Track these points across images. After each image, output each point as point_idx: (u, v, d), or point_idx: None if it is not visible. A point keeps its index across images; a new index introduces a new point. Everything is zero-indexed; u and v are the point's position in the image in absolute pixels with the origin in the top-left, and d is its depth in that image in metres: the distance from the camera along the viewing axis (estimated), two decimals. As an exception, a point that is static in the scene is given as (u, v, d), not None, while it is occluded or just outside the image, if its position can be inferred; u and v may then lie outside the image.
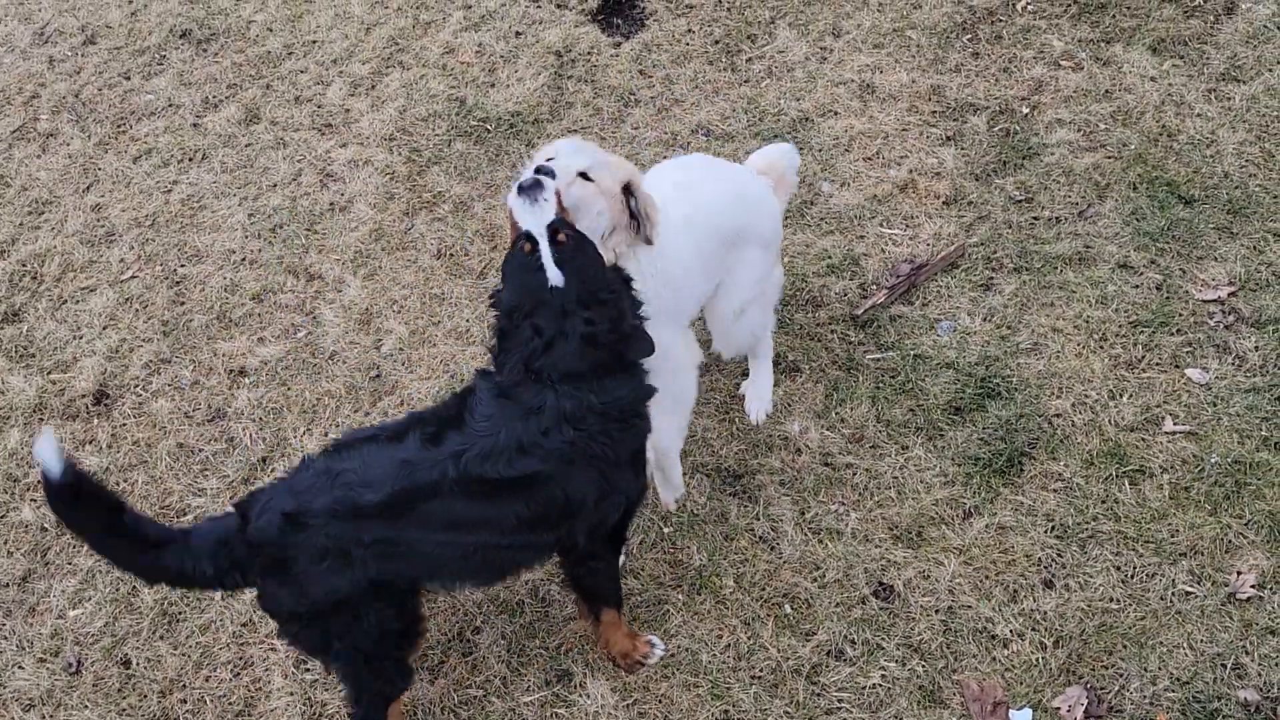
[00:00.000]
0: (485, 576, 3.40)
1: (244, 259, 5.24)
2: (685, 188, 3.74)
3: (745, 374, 4.37)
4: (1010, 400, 4.16)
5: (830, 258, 4.79)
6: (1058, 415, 4.10)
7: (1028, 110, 5.23)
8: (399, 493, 2.98)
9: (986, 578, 3.72)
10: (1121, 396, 4.12)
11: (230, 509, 3.14)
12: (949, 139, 5.19)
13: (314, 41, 6.38)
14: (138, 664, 3.88)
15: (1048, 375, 4.22)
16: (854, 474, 4.04)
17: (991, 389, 4.21)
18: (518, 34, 6.23)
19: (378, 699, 3.37)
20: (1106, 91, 5.24)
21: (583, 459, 3.06)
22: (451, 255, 5.09)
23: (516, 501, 3.06)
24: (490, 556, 3.22)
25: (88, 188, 5.73)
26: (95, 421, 4.63)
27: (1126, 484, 3.88)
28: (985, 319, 4.46)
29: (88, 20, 6.86)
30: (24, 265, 5.35)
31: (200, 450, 4.46)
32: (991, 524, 3.84)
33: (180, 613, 3.96)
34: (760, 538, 3.92)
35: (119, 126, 6.07)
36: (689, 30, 6.06)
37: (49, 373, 4.85)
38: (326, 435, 4.43)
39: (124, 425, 4.60)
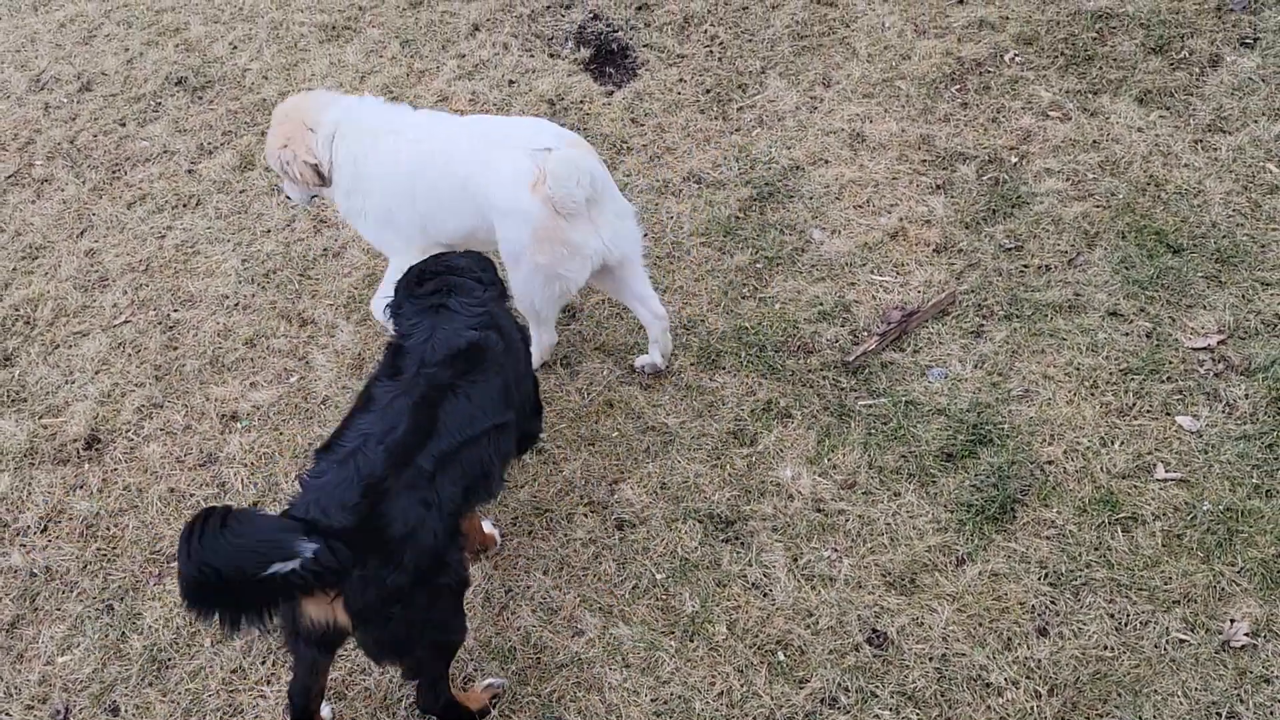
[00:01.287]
0: (500, 471, 3.56)
1: (237, 304, 5.24)
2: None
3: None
4: (1002, 447, 4.17)
5: (821, 304, 4.82)
6: (1050, 462, 4.11)
7: (1016, 159, 5.29)
8: (414, 414, 3.21)
9: (980, 625, 3.71)
10: (1113, 443, 4.13)
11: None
12: (939, 187, 5.24)
13: (309, 89, 6.42)
14: (126, 711, 3.84)
15: (1039, 422, 4.24)
16: (846, 520, 4.04)
17: (983, 435, 4.22)
18: (511, 82, 6.29)
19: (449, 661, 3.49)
20: (1094, 142, 5.30)
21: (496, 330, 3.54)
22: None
23: (487, 371, 3.41)
24: (497, 442, 3.45)
25: (82, 233, 5.75)
26: (86, 466, 4.61)
27: (1119, 531, 3.88)
28: (976, 366, 4.48)
29: (84, 68, 6.91)
30: (17, 310, 5.35)
31: (191, 495, 4.44)
32: (985, 571, 3.84)
33: (170, 659, 3.92)
34: (753, 584, 3.91)
35: (114, 173, 6.09)
36: (680, 80, 6.13)
37: (40, 417, 4.84)
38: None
39: (115, 470, 4.58)
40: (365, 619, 3.07)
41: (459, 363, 3.40)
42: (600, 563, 4.02)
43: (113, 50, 7.03)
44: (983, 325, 4.63)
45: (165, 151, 6.18)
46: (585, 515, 4.18)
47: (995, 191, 5.16)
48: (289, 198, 4.92)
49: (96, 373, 4.99)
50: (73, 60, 7.01)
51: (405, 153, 4.33)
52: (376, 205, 4.45)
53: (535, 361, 4.56)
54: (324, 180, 4.52)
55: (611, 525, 4.14)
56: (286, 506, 3.12)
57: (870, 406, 4.40)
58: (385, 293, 4.32)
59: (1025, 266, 4.83)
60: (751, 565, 3.96)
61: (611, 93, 6.13)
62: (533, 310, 4.40)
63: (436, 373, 3.36)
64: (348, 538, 2.94)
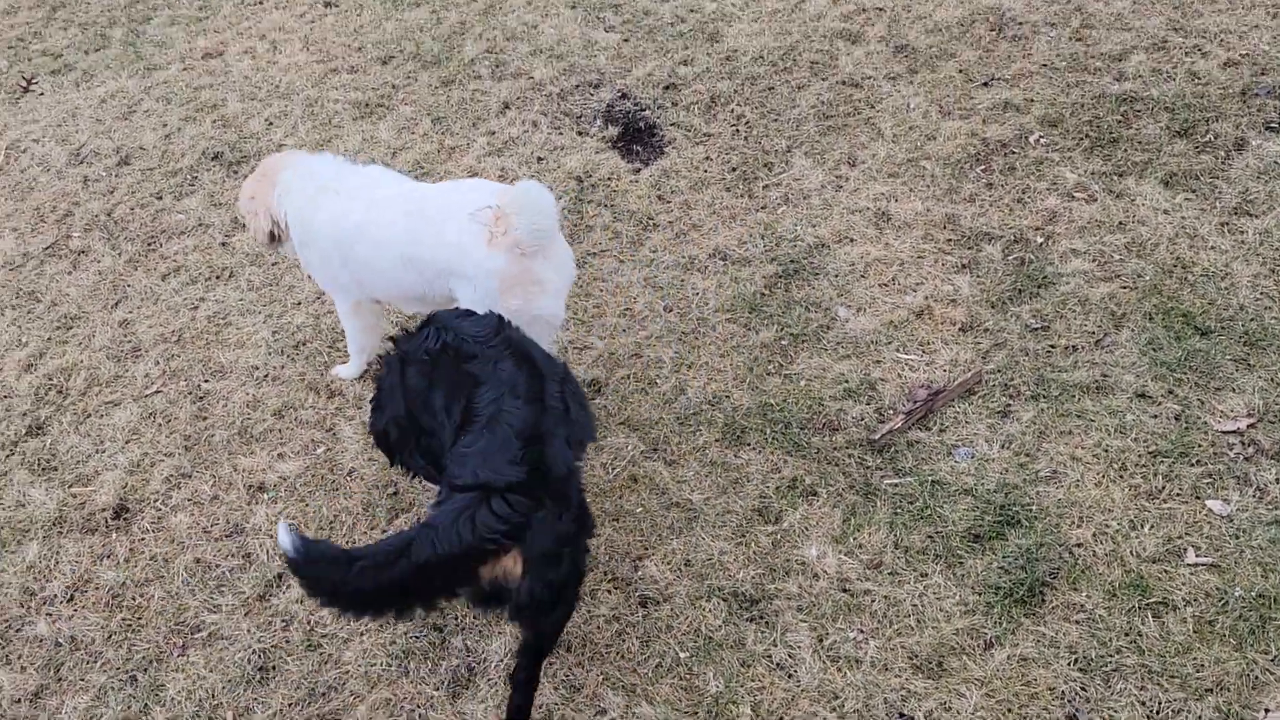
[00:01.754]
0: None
1: (267, 375, 5.29)
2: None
3: None
4: (1030, 529, 4.14)
5: (847, 382, 4.83)
6: (1079, 545, 4.07)
7: (1042, 240, 5.32)
8: (519, 366, 3.54)
9: (1009, 710, 3.66)
10: (1143, 527, 4.10)
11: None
12: (964, 267, 5.27)
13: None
14: (145, 785, 3.83)
15: (1068, 504, 4.21)
16: (873, 601, 4.01)
17: (1011, 517, 4.20)
18: (539, 159, 6.39)
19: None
20: (1120, 223, 5.33)
21: None
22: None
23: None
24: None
25: (116, 304, 5.83)
26: (114, 536, 4.63)
27: (1149, 616, 3.84)
28: (1003, 446, 4.47)
29: (123, 142, 7.06)
30: (50, 379, 5.41)
31: (217, 566, 4.45)
32: (1013, 655, 3.80)
33: (191, 733, 3.92)
34: (778, 665, 3.88)
35: (149, 245, 6.19)
36: (707, 158, 6.20)
37: (70, 486, 4.87)
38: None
39: (142, 540, 4.60)
40: (539, 564, 3.25)
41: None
42: (624, 640, 4.00)
43: (151, 125, 7.19)
44: (1009, 405, 4.62)
45: (200, 224, 6.29)
46: (609, 591, 4.16)
47: (1021, 271, 5.18)
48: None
49: (127, 442, 5.03)
50: (112, 135, 7.16)
51: (343, 215, 4.50)
52: (318, 260, 4.69)
53: None
54: (275, 239, 4.78)
55: (635, 602, 4.12)
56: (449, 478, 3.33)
57: (896, 485, 4.39)
58: (355, 345, 5.02)
59: (1052, 347, 4.83)
60: (776, 645, 3.92)
61: (639, 170, 6.21)
62: None
63: (509, 334, 3.67)
64: (523, 490, 3.17)
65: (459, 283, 4.31)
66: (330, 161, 4.73)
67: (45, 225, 6.48)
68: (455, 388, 3.62)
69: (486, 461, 3.25)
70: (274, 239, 4.78)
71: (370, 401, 4.12)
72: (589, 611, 4.08)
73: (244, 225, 5.04)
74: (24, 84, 7.94)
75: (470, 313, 3.93)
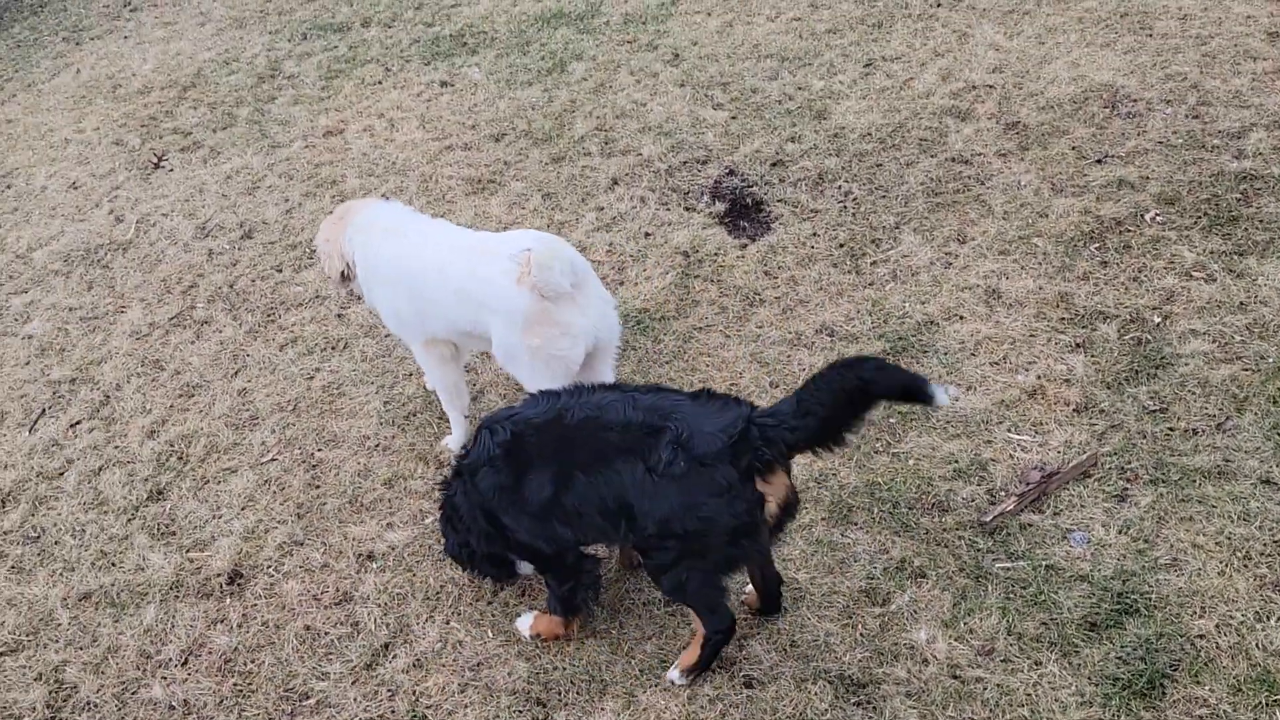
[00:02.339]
0: None
1: (378, 445, 5.40)
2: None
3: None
4: (1149, 618, 4.01)
5: (956, 461, 4.75)
6: (1201, 636, 3.93)
7: (1159, 320, 5.20)
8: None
9: (1128, 808, 3.53)
10: (1269, 619, 3.94)
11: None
12: (1078, 346, 5.17)
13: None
14: None
15: (1189, 593, 4.07)
16: (984, 689, 3.91)
17: (1129, 605, 4.07)
18: (647, 235, 6.46)
19: None
20: (1241, 304, 5.19)
21: None
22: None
23: None
24: None
25: (236, 373, 6.02)
26: (228, 601, 4.73)
27: (1277, 713, 3.67)
28: (1120, 531, 4.34)
29: (246, 217, 7.32)
30: (172, 446, 5.59)
31: (326, 634, 4.52)
32: (1132, 749, 3.66)
33: (297, 800, 3.95)
34: (886, 752, 3.79)
35: (269, 316, 6.39)
36: (814, 234, 6.21)
37: (187, 550, 5.01)
38: (448, 623, 4.46)
39: (255, 605, 4.70)
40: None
41: None
42: (728, 721, 3.95)
43: (274, 200, 7.45)
44: (1127, 489, 4.50)
45: (317, 297, 6.48)
46: (713, 671, 4.11)
47: (1138, 352, 5.07)
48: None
49: (242, 509, 5.16)
50: (236, 209, 7.44)
51: (405, 256, 4.88)
52: (384, 299, 5.02)
53: None
54: (345, 278, 5.15)
55: (739, 682, 4.07)
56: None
57: (1008, 569, 4.29)
58: (448, 403, 5.27)
59: (1171, 429, 4.70)
60: (884, 732, 3.84)
61: (745, 246, 6.24)
62: None
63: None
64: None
65: (492, 317, 4.64)
66: (398, 208, 5.17)
67: (171, 296, 6.73)
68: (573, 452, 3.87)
69: (771, 411, 3.69)
70: (344, 278, 5.15)
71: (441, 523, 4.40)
72: (692, 691, 4.04)
73: (319, 264, 5.51)
74: (155, 160, 8.30)
75: (510, 409, 4.13)
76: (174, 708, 4.34)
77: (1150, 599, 4.07)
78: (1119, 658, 3.91)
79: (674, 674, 4.09)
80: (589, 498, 3.80)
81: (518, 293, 4.48)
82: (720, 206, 6.59)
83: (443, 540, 4.45)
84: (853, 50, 7.87)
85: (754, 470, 3.62)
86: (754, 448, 3.60)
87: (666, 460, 3.63)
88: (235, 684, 4.39)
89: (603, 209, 6.75)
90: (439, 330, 4.94)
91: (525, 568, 4.42)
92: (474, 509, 4.12)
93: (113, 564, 5.02)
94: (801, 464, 4.86)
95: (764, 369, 5.40)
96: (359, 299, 5.33)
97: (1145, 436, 4.69)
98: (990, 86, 7.11)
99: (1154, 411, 4.80)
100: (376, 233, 4.97)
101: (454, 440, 5.32)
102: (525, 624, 4.36)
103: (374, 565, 4.79)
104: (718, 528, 3.65)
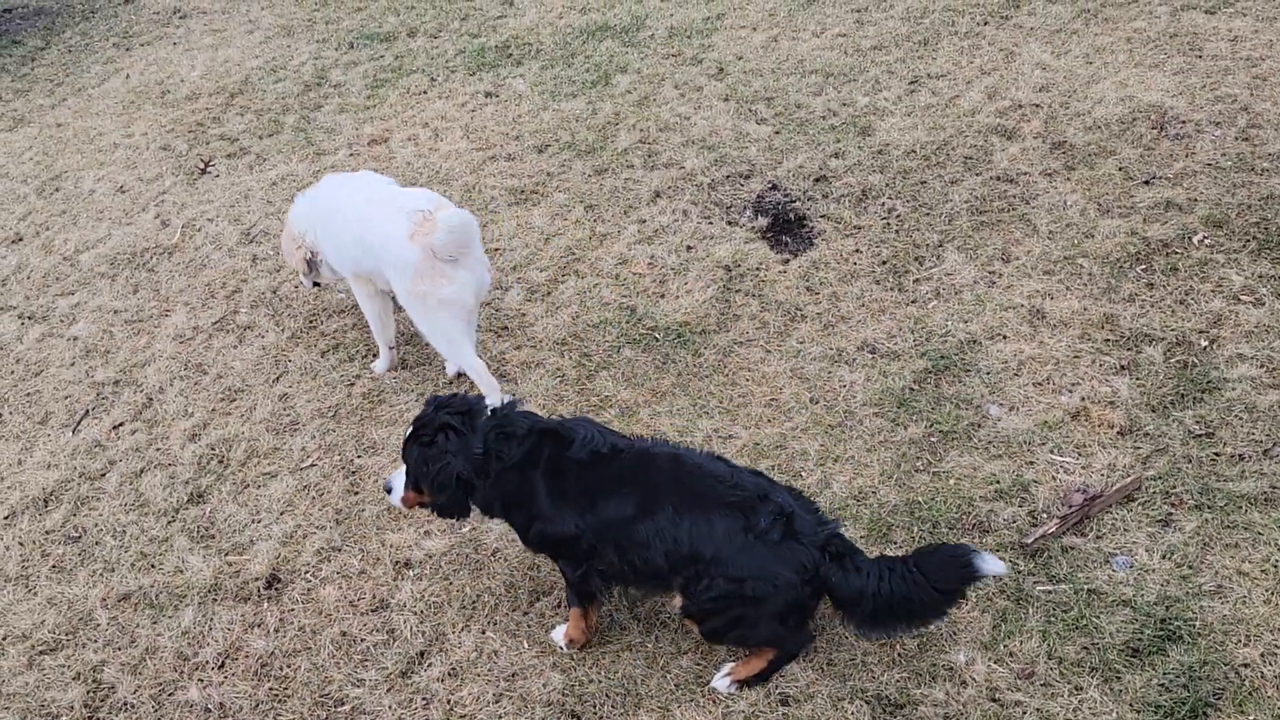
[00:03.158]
0: None
1: (416, 453, 5.40)
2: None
3: None
4: (1193, 645, 3.95)
5: (998, 482, 4.70)
6: (1245, 665, 3.86)
7: (1206, 343, 5.14)
8: None
9: (1170, 839, 3.47)
10: (1317, 649, 3.87)
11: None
12: (1123, 368, 5.11)
13: (496, 249, 6.72)
14: None
15: (1234, 621, 4.00)
16: (1024, 712, 3.86)
17: (1172, 632, 4.01)
18: (689, 248, 6.46)
19: None
20: (1291, 327, 5.12)
21: None
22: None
23: None
24: None
25: (277, 378, 6.05)
26: (265, 605, 4.76)
27: (1325, 746, 3.61)
28: (1164, 556, 4.28)
29: (290, 223, 7.38)
30: (213, 449, 5.63)
31: (362, 640, 4.53)
32: (1174, 779, 3.60)
33: (330, 806, 3.96)
34: (922, 774, 3.75)
35: (310, 322, 6.43)
36: (857, 250, 6.19)
37: (226, 554, 5.04)
38: (484, 633, 4.46)
39: (292, 610, 4.71)
40: None
41: None
42: (763, 739, 3.92)
43: (317, 208, 7.50)
44: (1171, 514, 4.44)
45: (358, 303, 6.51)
46: (748, 688, 4.09)
47: (1184, 375, 5.01)
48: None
49: (281, 513, 5.19)
50: (281, 216, 7.49)
51: (335, 207, 5.60)
52: (323, 240, 5.72)
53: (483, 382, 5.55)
54: (311, 265, 5.82)
55: (775, 700, 4.04)
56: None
57: (1050, 593, 4.24)
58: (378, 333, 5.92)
59: (1217, 455, 4.63)
60: (921, 754, 3.80)
61: (787, 261, 6.22)
62: (444, 339, 5.46)
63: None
64: None
65: (386, 268, 5.35)
66: (326, 181, 5.86)
67: (215, 300, 6.79)
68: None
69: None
70: (310, 265, 5.75)
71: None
72: (726, 708, 4.02)
73: (293, 273, 6.17)
74: (202, 166, 8.39)
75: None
76: (210, 710, 4.36)
77: (1194, 626, 4.01)
78: (1161, 685, 3.85)
79: (721, 682, 4.06)
80: (666, 534, 3.88)
81: (409, 247, 5.17)
82: (763, 221, 6.58)
83: (411, 449, 4.18)
84: (898, 67, 7.84)
85: (831, 566, 3.81)
86: (839, 552, 3.84)
87: (765, 527, 3.81)
88: (271, 688, 4.40)
89: (645, 221, 6.75)
90: (361, 269, 5.59)
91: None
92: (522, 472, 4.06)
93: (152, 565, 5.06)
94: (841, 481, 4.83)
95: (804, 385, 5.38)
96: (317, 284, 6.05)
97: (1190, 461, 4.63)
98: (1037, 105, 7.07)
99: (1200, 436, 4.73)
100: (313, 204, 5.74)
101: (380, 365, 5.99)
102: (560, 635, 4.35)
103: (411, 573, 4.80)
104: (782, 601, 3.83)
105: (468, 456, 4.04)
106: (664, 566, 3.90)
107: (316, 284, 6.08)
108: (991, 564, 3.62)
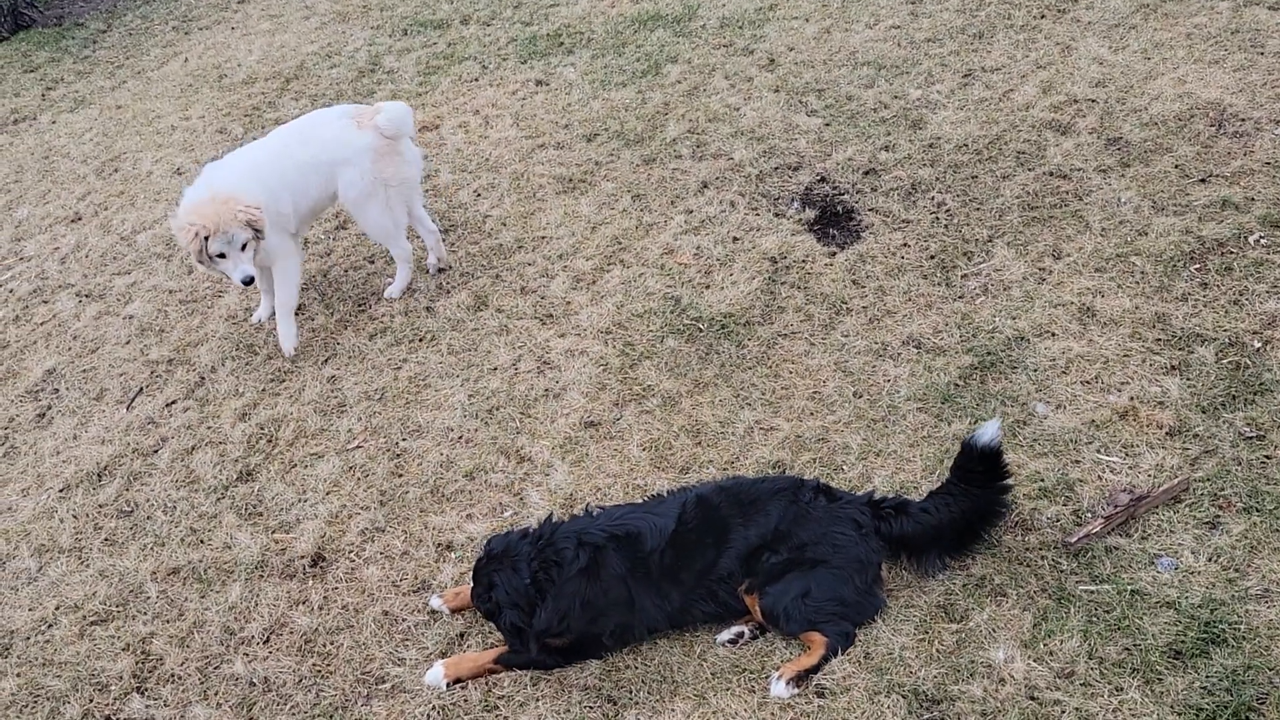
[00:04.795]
0: None
1: (460, 437, 5.46)
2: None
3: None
4: (1237, 649, 3.90)
5: (1042, 480, 4.67)
6: (1290, 670, 3.82)
7: (1260, 345, 5.06)
8: None
9: (1207, 843, 3.44)
10: (1364, 656, 3.81)
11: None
12: (1174, 368, 5.05)
13: (543, 237, 6.75)
14: (323, 830, 3.94)
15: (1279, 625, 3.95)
16: (1063, 712, 3.83)
17: (1216, 635, 3.96)
18: (735, 239, 6.45)
19: None
20: (1347, 330, 5.04)
21: None
22: (656, 448, 5.19)
23: None
24: None
25: (326, 360, 6.13)
26: (310, 583, 4.83)
27: (1370, 754, 3.56)
28: (1210, 559, 4.23)
29: (341, 208, 7.44)
30: (262, 429, 5.72)
31: (404, 620, 4.59)
32: (1214, 783, 3.57)
33: (369, 782, 4.02)
34: (958, 770, 3.74)
35: (359, 305, 6.51)
36: (904, 244, 6.16)
37: (273, 532, 5.11)
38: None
39: (336, 589, 4.78)
40: None
41: None
42: (798, 730, 3.93)
43: (369, 192, 7.58)
44: (1219, 516, 4.39)
45: (407, 288, 6.57)
46: (804, 685, 4.08)
47: (1236, 376, 4.94)
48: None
49: (327, 494, 5.26)
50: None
51: (248, 167, 5.88)
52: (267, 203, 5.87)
53: (404, 280, 6.55)
54: (202, 242, 5.64)
55: (811, 691, 4.03)
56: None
57: (1092, 592, 4.20)
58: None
59: (1268, 458, 4.57)
60: (957, 749, 3.79)
61: (834, 254, 6.21)
62: (390, 230, 6.27)
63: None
64: None
65: (342, 169, 6.01)
66: (228, 157, 6.04)
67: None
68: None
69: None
70: (202, 245, 5.59)
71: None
72: (762, 697, 4.03)
73: (190, 263, 6.43)
74: (257, 150, 8.49)
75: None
76: (254, 684, 4.44)
77: (1239, 630, 3.96)
78: (1204, 688, 3.81)
79: (779, 687, 4.04)
80: (738, 545, 4.25)
81: (361, 134, 5.98)
82: (810, 213, 6.56)
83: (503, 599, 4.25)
84: (952, 60, 7.78)
85: (882, 528, 4.28)
86: (885, 514, 4.31)
87: (810, 499, 4.31)
88: (314, 664, 4.47)
89: (692, 212, 6.76)
90: (308, 198, 6.08)
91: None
92: (615, 580, 4.23)
93: (201, 541, 5.15)
94: (883, 476, 4.83)
95: (848, 378, 5.37)
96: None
97: (1240, 464, 4.57)
98: (1092, 101, 6.99)
99: (1250, 438, 4.67)
100: (239, 159, 5.98)
101: (265, 317, 6.54)
102: (437, 675, 4.29)
103: (453, 555, 4.85)
104: (843, 559, 4.19)
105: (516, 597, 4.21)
106: (737, 569, 4.26)
107: (220, 257, 5.74)
108: (989, 431, 4.17)
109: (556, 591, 4.14)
